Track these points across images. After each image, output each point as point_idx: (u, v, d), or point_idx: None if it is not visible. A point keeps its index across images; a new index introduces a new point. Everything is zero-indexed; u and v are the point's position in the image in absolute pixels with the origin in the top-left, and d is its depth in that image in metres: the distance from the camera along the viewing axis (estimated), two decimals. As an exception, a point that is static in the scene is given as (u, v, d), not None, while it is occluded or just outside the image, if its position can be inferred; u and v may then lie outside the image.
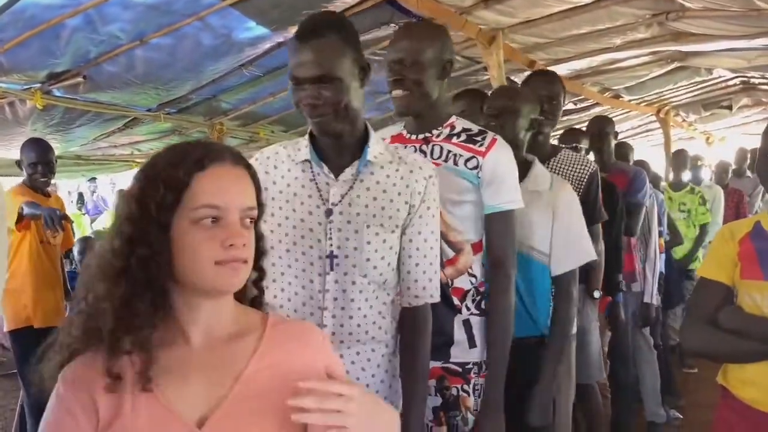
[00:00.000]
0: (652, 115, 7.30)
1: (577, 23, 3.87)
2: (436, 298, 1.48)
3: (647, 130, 8.35)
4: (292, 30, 3.47)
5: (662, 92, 6.17)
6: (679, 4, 3.57)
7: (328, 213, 1.39)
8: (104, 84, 3.73)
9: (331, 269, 1.39)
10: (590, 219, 2.15)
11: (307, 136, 1.44)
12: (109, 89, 3.83)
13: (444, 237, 1.63)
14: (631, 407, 3.40)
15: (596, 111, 6.38)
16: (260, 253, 1.02)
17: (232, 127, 5.18)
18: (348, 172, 1.40)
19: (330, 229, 1.39)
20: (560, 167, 2.26)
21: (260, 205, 1.00)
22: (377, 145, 1.43)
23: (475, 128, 1.70)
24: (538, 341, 1.89)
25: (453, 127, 1.69)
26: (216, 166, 0.95)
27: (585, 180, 2.23)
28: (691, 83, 5.81)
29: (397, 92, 1.61)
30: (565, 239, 1.91)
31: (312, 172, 1.42)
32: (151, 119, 4.48)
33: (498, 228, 1.65)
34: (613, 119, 3.70)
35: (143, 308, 0.90)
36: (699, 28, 3.95)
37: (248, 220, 0.96)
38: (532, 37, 4.12)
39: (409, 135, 1.72)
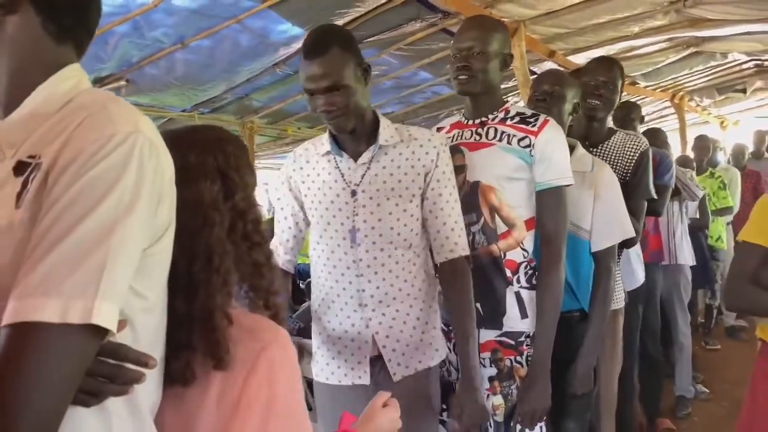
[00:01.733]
0: (666, 100, 7.37)
1: (596, 12, 3.96)
2: (467, 252, 1.65)
3: (661, 116, 8.41)
4: (325, 29, 3.64)
5: (677, 78, 6.23)
6: (696, -10, 3.68)
7: (353, 193, 1.62)
8: (145, 87, 3.90)
9: (360, 241, 1.60)
10: (637, 195, 2.29)
11: (327, 132, 1.66)
12: (149, 92, 4.00)
13: (497, 212, 1.77)
14: (660, 382, 3.53)
15: (613, 98, 6.48)
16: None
17: (262, 125, 5.33)
18: (365, 156, 1.63)
19: (355, 206, 1.61)
20: (614, 148, 2.36)
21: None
22: (387, 130, 1.63)
23: (529, 112, 1.84)
24: (581, 315, 1.99)
25: (507, 111, 1.82)
26: None
27: (636, 157, 2.31)
28: (706, 68, 5.88)
29: (463, 77, 1.76)
30: (606, 217, 2.01)
31: (335, 160, 1.65)
32: (185, 119, 4.65)
33: (549, 204, 1.76)
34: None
35: None
36: (715, 13, 4.04)
37: None
38: (552, 28, 4.22)
39: (466, 120, 1.87)
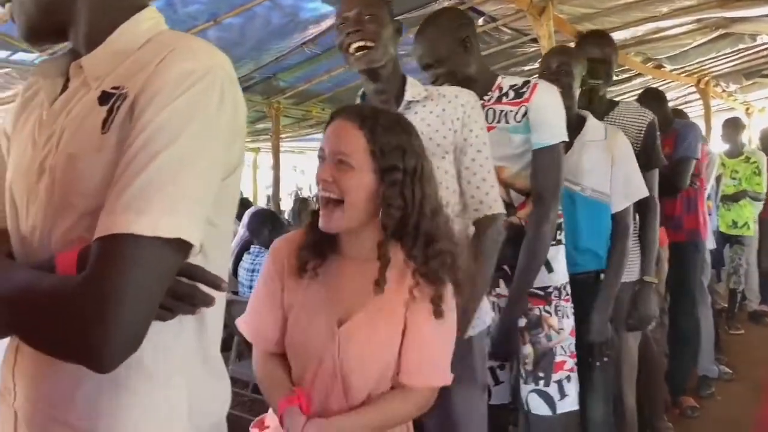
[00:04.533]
0: (691, 86, 7.30)
1: (625, -8, 3.96)
2: (496, 210, 1.61)
3: (686, 102, 8.34)
4: (355, 6, 3.67)
5: (704, 61, 6.17)
6: (727, -31, 3.66)
7: None
8: (176, 64, 3.96)
9: None
10: (648, 164, 2.33)
11: (359, 95, 1.70)
12: (179, 69, 4.05)
13: (512, 186, 1.83)
14: (688, 361, 3.55)
15: (637, 82, 6.44)
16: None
17: (287, 105, 5.39)
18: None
19: None
20: (619, 119, 2.40)
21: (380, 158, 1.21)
22: (414, 88, 1.63)
23: (520, 81, 1.85)
24: (597, 276, 2.10)
25: (501, 89, 1.85)
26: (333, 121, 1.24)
27: (644, 129, 2.36)
28: (734, 51, 5.80)
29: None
30: (622, 180, 2.11)
31: None
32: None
33: (542, 162, 1.79)
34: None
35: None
36: (746, -7, 4.02)
37: (341, 164, 1.18)
38: (580, 8, 4.22)
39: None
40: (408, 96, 1.62)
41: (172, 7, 3.26)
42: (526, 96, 1.79)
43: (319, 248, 1.27)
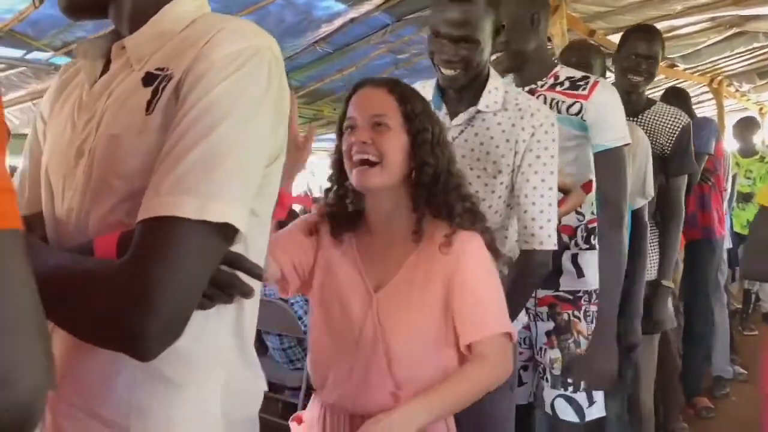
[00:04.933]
0: (704, 85, 7.25)
1: (639, -11, 3.95)
2: (547, 246, 1.49)
3: (698, 102, 8.28)
4: (368, 5, 3.67)
5: (717, 61, 6.14)
6: (742, -33, 3.63)
7: None
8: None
9: None
10: (680, 169, 2.31)
11: (434, 81, 1.60)
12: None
13: None
14: (702, 362, 3.53)
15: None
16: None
17: (299, 105, 5.38)
18: (461, 117, 1.55)
19: None
20: (654, 119, 2.35)
21: (412, 119, 1.24)
22: (492, 95, 1.52)
23: (579, 74, 1.79)
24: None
25: (557, 77, 1.79)
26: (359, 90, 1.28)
27: (677, 132, 2.30)
28: (748, 50, 5.77)
29: (449, 72, 1.53)
30: (642, 177, 2.10)
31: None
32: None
33: (606, 166, 1.75)
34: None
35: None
36: (761, -10, 4.00)
37: (378, 126, 1.22)
38: (593, 6, 4.21)
39: (516, 87, 1.82)
40: (481, 105, 1.53)
41: None
42: (583, 92, 1.73)
43: (347, 221, 1.30)
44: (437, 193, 1.24)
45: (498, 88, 1.55)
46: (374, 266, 1.26)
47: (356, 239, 1.30)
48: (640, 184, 2.11)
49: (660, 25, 4.68)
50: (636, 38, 2.31)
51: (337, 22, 3.83)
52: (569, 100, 1.75)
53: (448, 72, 1.50)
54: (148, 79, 0.76)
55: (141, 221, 0.67)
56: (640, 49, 2.26)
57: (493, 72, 1.58)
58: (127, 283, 0.64)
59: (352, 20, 3.86)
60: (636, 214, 2.11)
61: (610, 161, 1.75)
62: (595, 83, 1.75)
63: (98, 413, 0.74)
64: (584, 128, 1.75)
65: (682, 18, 4.52)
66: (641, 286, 2.08)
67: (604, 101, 1.73)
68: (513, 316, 1.51)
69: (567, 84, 1.77)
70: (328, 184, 1.35)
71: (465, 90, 1.55)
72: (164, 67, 0.76)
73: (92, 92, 0.83)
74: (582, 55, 2.19)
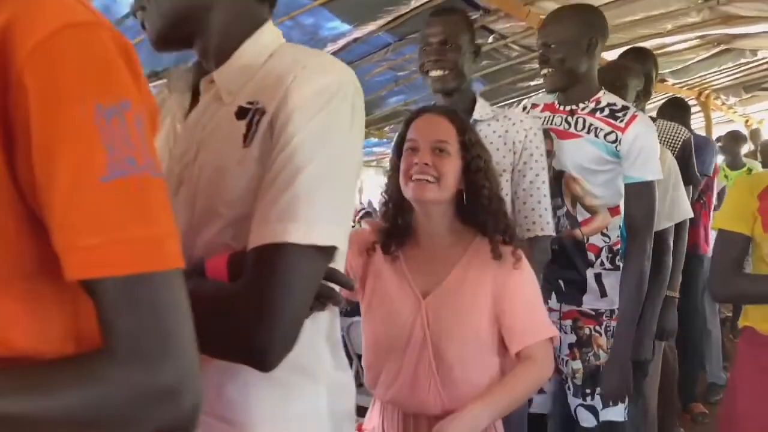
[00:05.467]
0: (692, 98, 7.43)
1: (632, 10, 4.06)
2: (548, 231, 1.72)
3: (687, 114, 8.47)
4: (372, 26, 3.79)
5: (705, 75, 6.30)
6: (730, -12, 3.78)
7: None
8: (197, 80, 4.07)
9: None
10: (682, 181, 2.39)
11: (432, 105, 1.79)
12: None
13: (580, 201, 1.89)
14: (696, 369, 3.64)
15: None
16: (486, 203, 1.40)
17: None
18: None
19: None
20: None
21: (468, 147, 1.37)
22: (482, 109, 1.78)
23: (620, 103, 1.89)
24: None
25: (598, 102, 1.88)
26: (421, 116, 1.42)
27: (678, 145, 2.43)
28: (735, 65, 5.94)
29: (544, 71, 1.87)
30: (668, 200, 2.17)
31: None
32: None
33: (635, 198, 1.86)
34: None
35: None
36: (748, 10, 4.14)
37: (440, 151, 1.36)
38: (588, 25, 4.34)
39: (559, 105, 1.95)
40: (476, 115, 1.76)
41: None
42: (621, 124, 1.82)
43: (396, 234, 1.43)
44: (489, 213, 1.39)
45: (486, 105, 1.82)
46: (421, 275, 1.39)
47: (404, 250, 1.42)
48: (666, 206, 2.17)
49: (651, 43, 4.85)
50: (631, 59, 2.50)
51: (342, 41, 3.94)
52: (607, 128, 1.85)
53: (436, 73, 1.72)
54: (241, 112, 0.83)
55: (254, 248, 0.75)
56: (636, 68, 2.41)
57: (478, 96, 1.81)
58: (247, 306, 0.73)
59: (355, 40, 3.97)
60: (659, 236, 2.14)
61: (641, 194, 1.85)
62: (633, 116, 1.84)
63: (219, 414, 0.83)
64: (617, 156, 1.84)
65: (672, 36, 4.66)
66: (656, 307, 2.17)
67: (640, 136, 1.83)
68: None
69: (607, 111, 1.87)
70: (381, 198, 1.48)
71: (457, 105, 1.73)
72: (254, 101, 0.83)
73: (186, 124, 0.90)
74: (617, 76, 2.27)
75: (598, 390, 1.89)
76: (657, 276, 2.14)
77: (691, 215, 2.26)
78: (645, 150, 1.83)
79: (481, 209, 1.38)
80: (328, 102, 0.79)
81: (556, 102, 1.97)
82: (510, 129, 1.74)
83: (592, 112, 1.89)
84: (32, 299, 0.55)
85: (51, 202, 0.51)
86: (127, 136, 0.52)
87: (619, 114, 1.85)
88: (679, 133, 2.45)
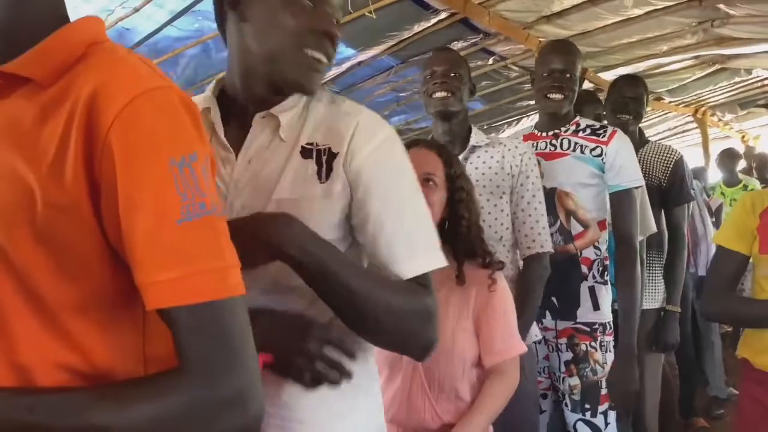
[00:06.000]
0: (689, 115, 7.55)
1: (628, 33, 4.18)
2: (547, 248, 1.82)
3: (684, 131, 8.59)
4: (375, 50, 3.90)
5: (702, 93, 6.42)
6: (723, 12, 3.86)
7: None
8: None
9: None
10: (677, 199, 2.49)
11: (430, 137, 1.94)
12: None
13: (573, 215, 2.00)
14: (695, 383, 3.69)
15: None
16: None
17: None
18: (459, 157, 1.82)
19: None
20: (649, 156, 2.54)
21: (453, 179, 1.48)
22: (478, 135, 1.91)
23: (597, 124, 2.09)
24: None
25: (578, 125, 2.07)
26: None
27: (671, 165, 2.49)
28: (730, 84, 6.06)
29: (557, 96, 2.00)
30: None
31: None
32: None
33: (621, 205, 2.00)
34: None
35: None
36: (742, 33, 4.25)
37: (427, 182, 1.45)
38: (585, 47, 4.42)
39: (540, 132, 2.10)
40: (473, 141, 1.89)
41: (207, 52, 3.48)
42: (604, 138, 2.01)
43: None
44: (465, 241, 1.49)
45: (480, 134, 1.94)
46: None
47: None
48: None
49: (647, 64, 4.98)
50: (623, 84, 2.62)
51: (346, 65, 4.06)
52: (591, 144, 2.03)
53: (440, 94, 1.84)
54: (305, 152, 0.94)
55: (413, 278, 0.94)
56: (627, 93, 2.54)
57: (472, 126, 1.94)
58: (423, 310, 0.94)
59: (359, 63, 4.08)
60: None
61: (624, 200, 2.00)
62: (614, 131, 2.04)
63: (297, 417, 0.95)
64: (602, 170, 2.01)
65: (668, 57, 4.78)
66: (634, 321, 2.18)
67: (621, 148, 2.01)
68: (531, 317, 1.80)
69: (588, 131, 2.05)
70: None
71: (454, 135, 1.91)
72: (314, 142, 0.94)
73: (244, 156, 0.96)
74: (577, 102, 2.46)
75: (600, 408, 1.96)
76: (632, 289, 2.21)
77: (655, 230, 2.34)
78: (627, 160, 2.01)
79: (458, 236, 1.48)
80: (394, 145, 0.98)
81: (536, 131, 2.13)
82: (506, 154, 1.85)
83: (575, 132, 2.06)
84: (111, 324, 0.63)
85: (133, 241, 0.59)
86: (197, 183, 0.61)
87: (600, 131, 2.05)
88: (671, 154, 2.54)
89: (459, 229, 1.48)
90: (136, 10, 2.98)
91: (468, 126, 1.94)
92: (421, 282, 0.94)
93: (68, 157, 0.59)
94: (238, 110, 0.99)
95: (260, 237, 0.83)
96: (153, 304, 0.60)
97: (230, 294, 0.61)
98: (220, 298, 0.60)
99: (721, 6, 3.78)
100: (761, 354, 1.56)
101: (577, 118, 2.10)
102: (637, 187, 2.02)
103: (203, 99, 1.01)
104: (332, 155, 0.93)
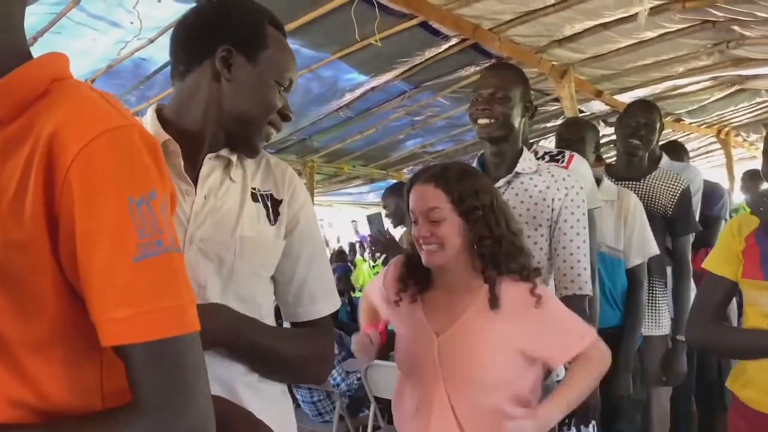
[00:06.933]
0: (712, 136, 7.44)
1: (642, 55, 4.17)
2: (586, 291, 1.71)
3: (708, 152, 8.45)
4: (387, 75, 3.95)
5: (723, 114, 6.33)
6: (738, 33, 3.85)
7: None
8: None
9: None
10: (684, 230, 2.47)
11: (477, 155, 1.91)
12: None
13: None
14: (715, 406, 3.59)
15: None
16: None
17: (320, 164, 5.66)
18: (502, 181, 1.79)
19: None
20: (655, 183, 2.50)
21: (460, 203, 1.43)
22: (527, 161, 1.80)
23: (555, 150, 2.09)
24: (620, 329, 2.24)
25: (536, 152, 2.04)
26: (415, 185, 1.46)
27: (678, 195, 2.45)
28: (752, 104, 5.98)
29: (484, 120, 1.79)
30: (636, 238, 2.29)
31: None
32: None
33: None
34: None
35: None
36: (758, 53, 4.21)
37: (434, 219, 1.42)
38: (599, 70, 4.44)
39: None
40: (518, 168, 1.78)
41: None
42: (563, 164, 2.00)
43: (414, 279, 1.50)
44: (502, 256, 1.42)
45: (531, 159, 1.83)
46: (438, 313, 1.46)
47: (422, 291, 1.50)
48: (635, 244, 2.28)
49: (664, 85, 4.95)
50: (635, 109, 2.60)
51: (359, 91, 4.11)
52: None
53: (483, 121, 1.77)
54: (254, 196, 1.07)
55: (313, 319, 1.14)
56: (639, 118, 2.51)
57: (525, 149, 1.84)
58: (319, 354, 1.15)
59: (373, 88, 4.13)
60: (631, 272, 2.28)
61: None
62: (571, 156, 2.04)
63: None
64: None
65: (684, 78, 4.74)
66: (633, 344, 2.22)
67: (579, 170, 2.00)
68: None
69: (547, 158, 2.04)
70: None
71: (503, 157, 1.81)
72: (258, 187, 1.08)
73: (201, 190, 1.03)
74: (576, 129, 2.46)
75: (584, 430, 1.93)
76: (630, 313, 2.23)
77: (657, 252, 2.33)
78: (585, 182, 1.93)
79: (483, 258, 1.41)
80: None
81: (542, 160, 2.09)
82: (552, 185, 1.76)
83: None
84: (68, 359, 0.65)
85: (89, 278, 0.60)
86: (155, 221, 0.61)
87: (558, 157, 2.05)
88: (678, 183, 2.49)
89: (483, 250, 1.41)
90: (151, 41, 3.08)
91: (520, 149, 1.83)
92: (322, 324, 1.12)
93: (28, 194, 0.60)
94: (187, 145, 1.03)
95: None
96: (108, 341, 0.61)
97: (184, 331, 0.63)
98: (174, 336, 0.62)
99: (736, 28, 3.76)
100: (745, 387, 1.51)
101: (535, 147, 2.09)
102: (596, 208, 2.00)
103: (153, 129, 1.03)
104: (276, 201, 1.07)
